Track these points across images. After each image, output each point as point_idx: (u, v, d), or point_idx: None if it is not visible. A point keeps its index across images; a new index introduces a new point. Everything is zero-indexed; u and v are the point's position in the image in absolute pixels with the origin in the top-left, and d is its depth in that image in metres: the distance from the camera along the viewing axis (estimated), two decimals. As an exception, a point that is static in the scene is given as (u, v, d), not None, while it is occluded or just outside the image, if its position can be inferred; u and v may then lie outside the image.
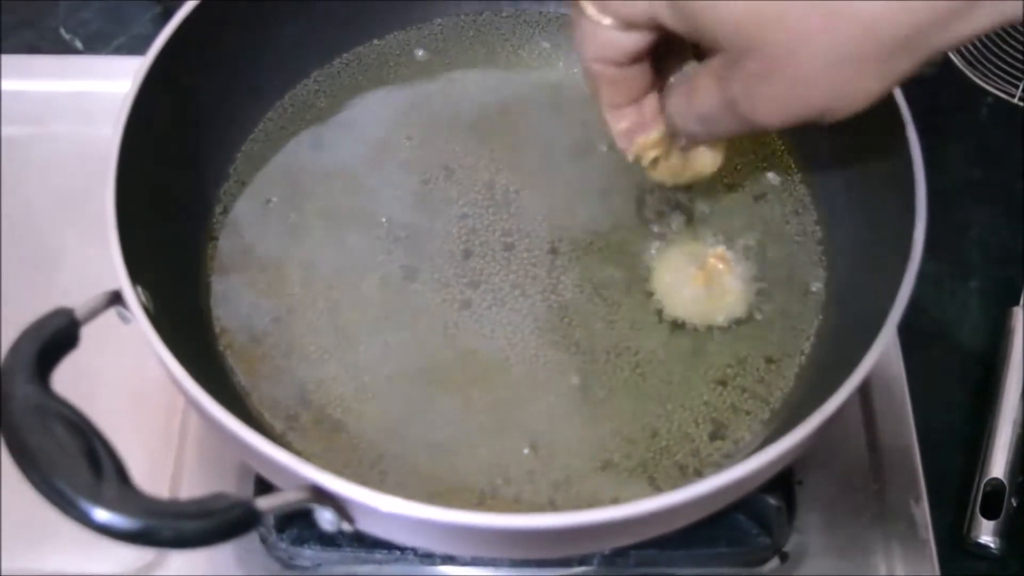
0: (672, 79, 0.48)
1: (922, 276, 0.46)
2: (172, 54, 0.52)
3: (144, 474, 0.55)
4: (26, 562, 0.55)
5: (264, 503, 0.40)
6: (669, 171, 0.52)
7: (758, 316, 0.54)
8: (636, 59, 0.45)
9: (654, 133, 0.48)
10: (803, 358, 0.53)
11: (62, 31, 0.78)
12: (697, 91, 0.43)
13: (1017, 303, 0.65)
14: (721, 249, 0.55)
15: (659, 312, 0.54)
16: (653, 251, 0.55)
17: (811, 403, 0.44)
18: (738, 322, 0.54)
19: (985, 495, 0.58)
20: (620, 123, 0.48)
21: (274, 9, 0.58)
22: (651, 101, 0.48)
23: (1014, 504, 0.58)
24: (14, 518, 0.56)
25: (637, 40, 0.43)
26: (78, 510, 0.37)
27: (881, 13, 0.36)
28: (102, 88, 0.71)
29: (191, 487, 0.57)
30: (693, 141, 0.48)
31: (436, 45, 0.63)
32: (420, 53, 0.63)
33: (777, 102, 0.40)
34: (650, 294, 0.54)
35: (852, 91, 0.38)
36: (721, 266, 0.54)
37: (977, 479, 0.59)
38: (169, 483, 0.57)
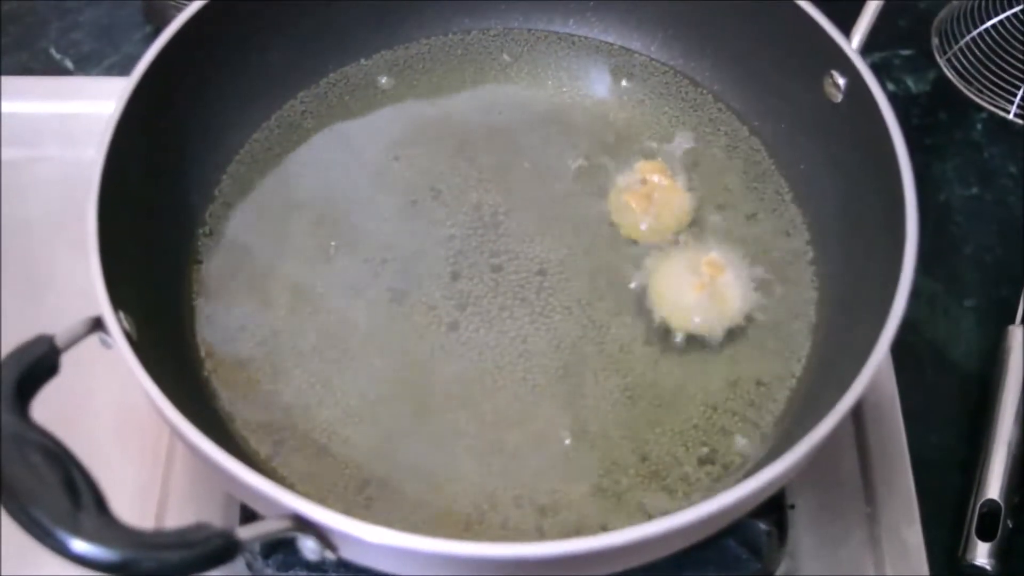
0: None
1: (917, 295, 0.45)
2: (157, 75, 0.52)
3: (131, 499, 0.56)
4: (25, 567, 0.55)
5: (245, 533, 0.39)
6: (636, 231, 0.56)
7: (752, 329, 0.53)
8: None
9: None
10: (794, 380, 0.52)
11: (53, 51, 0.78)
12: None
13: (1013, 322, 0.64)
14: (713, 254, 0.55)
15: (650, 332, 0.53)
16: (644, 270, 0.55)
17: (802, 426, 0.43)
18: (734, 334, 0.53)
19: (981, 516, 0.57)
20: None
21: (261, 29, 0.57)
22: None
23: (1010, 526, 0.57)
24: (13, 523, 0.55)
25: None
26: (56, 541, 0.37)
27: None
28: (92, 109, 0.70)
29: (178, 512, 0.57)
30: None
31: (424, 65, 0.63)
32: (408, 73, 0.62)
33: None
34: (645, 313, 0.54)
35: None
36: (715, 271, 0.54)
37: (973, 500, 0.58)
38: (156, 508, 0.56)
